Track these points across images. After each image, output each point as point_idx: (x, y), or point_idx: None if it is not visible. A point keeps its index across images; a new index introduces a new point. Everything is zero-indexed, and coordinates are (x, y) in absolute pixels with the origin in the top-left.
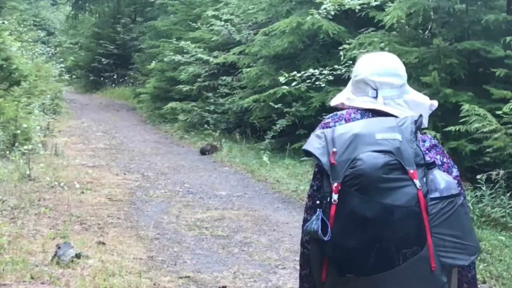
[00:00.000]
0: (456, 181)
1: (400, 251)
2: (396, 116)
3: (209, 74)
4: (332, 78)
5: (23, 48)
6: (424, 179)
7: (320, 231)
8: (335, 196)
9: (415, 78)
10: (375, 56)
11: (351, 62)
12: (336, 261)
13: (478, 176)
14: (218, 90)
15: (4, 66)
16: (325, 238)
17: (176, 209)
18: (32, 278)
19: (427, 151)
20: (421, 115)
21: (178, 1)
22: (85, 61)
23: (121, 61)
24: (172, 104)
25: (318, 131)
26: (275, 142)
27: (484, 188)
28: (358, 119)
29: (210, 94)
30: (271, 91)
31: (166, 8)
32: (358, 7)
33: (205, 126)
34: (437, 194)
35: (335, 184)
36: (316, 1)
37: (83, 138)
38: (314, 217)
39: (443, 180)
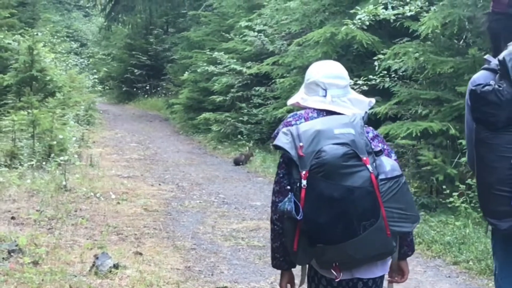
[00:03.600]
0: (397, 164)
1: (360, 223)
2: (343, 114)
3: (242, 84)
4: (367, 88)
5: (57, 60)
6: (374, 164)
7: (293, 211)
8: (304, 182)
9: (450, 88)
10: (324, 63)
11: (385, 72)
12: (308, 234)
13: None
14: (251, 101)
15: (39, 77)
16: (298, 217)
17: (212, 220)
18: None
19: (371, 141)
20: (366, 112)
21: (211, 12)
22: (118, 72)
23: (154, 72)
24: (205, 115)
25: (284, 129)
26: None
27: None
28: (315, 118)
29: (243, 105)
30: None
31: (199, 19)
32: (393, 17)
33: (239, 136)
34: (384, 176)
35: (304, 172)
36: (350, 11)
37: (117, 148)
38: (286, 199)
39: (388, 164)
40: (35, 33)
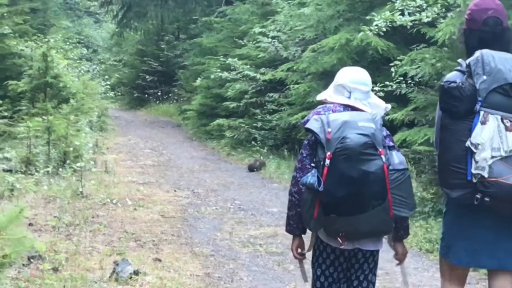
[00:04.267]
0: (404, 159)
1: (370, 201)
2: (365, 111)
3: (256, 90)
4: (383, 95)
5: (69, 66)
6: (386, 156)
7: (316, 184)
8: (328, 161)
9: None
10: (352, 69)
11: (402, 78)
12: (325, 205)
13: None
14: (265, 107)
15: (53, 83)
16: (320, 189)
17: (229, 226)
18: None
19: (385, 138)
20: (385, 113)
21: (223, 19)
22: (129, 78)
23: (165, 78)
24: (219, 121)
25: (315, 116)
26: None
27: None
28: (341, 111)
29: (257, 111)
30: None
31: (211, 25)
32: (410, 24)
33: (253, 142)
34: (393, 167)
35: (328, 153)
36: (364, 17)
37: (131, 155)
38: (309, 174)
39: (398, 158)
40: (48, 40)
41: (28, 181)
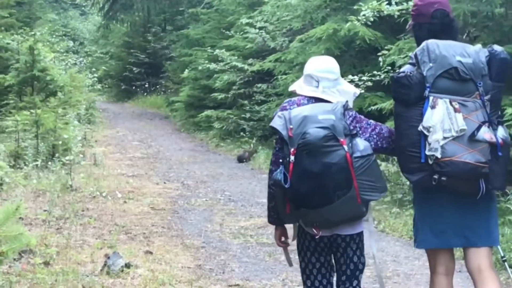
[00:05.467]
0: (370, 145)
1: (335, 192)
2: (331, 102)
3: (244, 81)
4: (371, 84)
5: (56, 59)
6: (350, 144)
7: (282, 181)
8: (292, 158)
9: None
10: (318, 59)
11: (390, 68)
12: (294, 200)
13: None
14: (253, 98)
15: (41, 77)
16: (286, 186)
17: (219, 217)
18: None
19: (351, 122)
20: (347, 101)
21: (210, 10)
22: (116, 70)
23: (152, 70)
24: (207, 112)
25: (279, 112)
26: None
27: None
28: (305, 104)
29: (245, 102)
30: None
31: (197, 16)
32: (397, 13)
33: (241, 133)
34: (358, 154)
35: (292, 149)
36: (352, 7)
37: (119, 147)
38: (278, 170)
39: (362, 144)
40: (34, 33)
41: (17, 175)
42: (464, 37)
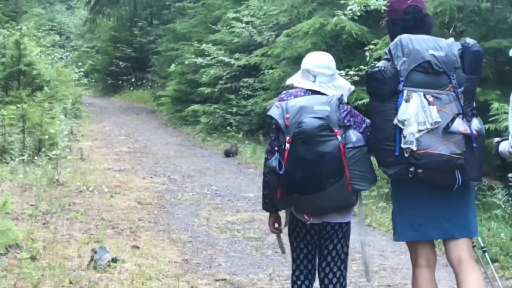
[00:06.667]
0: (362, 137)
1: (328, 180)
2: (326, 95)
3: (230, 76)
4: (358, 79)
5: (42, 53)
6: (344, 135)
7: (277, 168)
8: (287, 146)
9: None
10: (316, 54)
11: (376, 62)
12: (287, 186)
13: (510, 175)
14: (240, 92)
15: (27, 71)
16: (280, 172)
17: (206, 212)
18: (70, 283)
19: (346, 116)
20: (342, 94)
21: (197, 4)
22: (103, 64)
23: (139, 64)
24: (193, 107)
25: (276, 102)
26: None
27: None
28: (302, 96)
29: (232, 96)
30: None
31: (184, 11)
32: (384, 8)
33: (228, 128)
34: (351, 145)
35: (288, 138)
36: (338, 1)
37: (106, 142)
38: (273, 158)
39: (355, 136)
40: (21, 27)
41: (4, 170)
42: (450, 31)
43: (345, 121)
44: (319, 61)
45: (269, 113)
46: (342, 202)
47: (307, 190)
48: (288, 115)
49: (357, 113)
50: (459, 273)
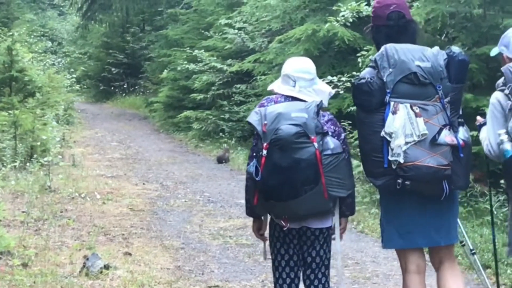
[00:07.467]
0: (340, 144)
1: (303, 187)
2: (306, 101)
3: (223, 82)
4: (350, 85)
5: (34, 59)
6: (321, 142)
7: (254, 174)
8: (264, 152)
9: None
10: (295, 59)
11: None
12: (264, 192)
13: (502, 181)
14: (232, 98)
15: (19, 77)
16: (257, 179)
17: (198, 218)
18: None
19: (326, 123)
20: (321, 101)
21: (189, 10)
22: (95, 71)
23: (131, 70)
24: (186, 113)
25: (256, 109)
26: None
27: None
28: (282, 102)
29: (224, 102)
30: None
31: (176, 17)
32: None
33: (220, 134)
34: (328, 152)
35: (265, 144)
36: (331, 8)
37: (98, 148)
38: (251, 164)
39: (332, 143)
40: (12, 33)
41: None
42: (442, 38)
43: (324, 128)
44: (299, 66)
45: (248, 119)
46: (319, 208)
47: (282, 196)
48: (266, 122)
49: (338, 124)
50: (439, 271)
